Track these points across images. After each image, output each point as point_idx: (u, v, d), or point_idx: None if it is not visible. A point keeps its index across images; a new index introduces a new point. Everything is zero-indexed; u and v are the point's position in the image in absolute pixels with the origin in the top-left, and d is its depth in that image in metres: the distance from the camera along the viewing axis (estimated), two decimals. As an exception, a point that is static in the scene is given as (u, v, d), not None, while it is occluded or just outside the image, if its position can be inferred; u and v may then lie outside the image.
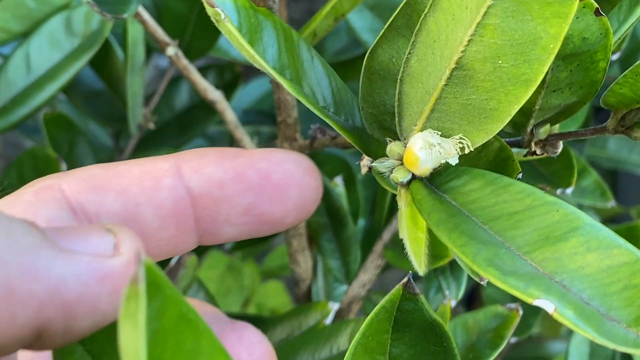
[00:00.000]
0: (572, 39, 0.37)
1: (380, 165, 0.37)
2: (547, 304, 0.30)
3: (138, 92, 0.71)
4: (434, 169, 0.37)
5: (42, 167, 0.69)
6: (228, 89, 0.81)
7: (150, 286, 0.23)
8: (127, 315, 0.22)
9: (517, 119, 0.42)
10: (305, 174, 0.35)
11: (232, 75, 0.84)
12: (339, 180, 0.73)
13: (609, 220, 1.45)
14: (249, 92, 0.96)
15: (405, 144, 0.37)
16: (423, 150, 0.36)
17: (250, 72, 0.86)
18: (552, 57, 0.31)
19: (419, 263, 0.34)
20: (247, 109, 0.92)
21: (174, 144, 0.82)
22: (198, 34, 0.75)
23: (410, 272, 0.37)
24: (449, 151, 0.35)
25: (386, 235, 0.66)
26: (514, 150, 0.43)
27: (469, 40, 0.33)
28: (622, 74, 0.37)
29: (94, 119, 0.78)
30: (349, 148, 0.56)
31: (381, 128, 0.40)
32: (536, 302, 0.30)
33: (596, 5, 0.36)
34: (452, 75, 0.34)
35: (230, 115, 0.63)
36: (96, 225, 0.29)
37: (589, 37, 0.37)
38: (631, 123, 0.40)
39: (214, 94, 0.62)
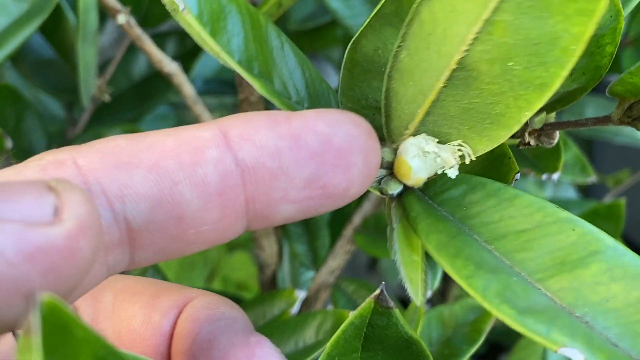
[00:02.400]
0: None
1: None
2: (575, 353, 0.25)
3: (91, 62, 0.65)
4: (428, 178, 0.32)
5: (-15, 144, 0.64)
6: (189, 57, 0.75)
7: (52, 331, 0.18)
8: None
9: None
10: (368, 137, 0.29)
11: (195, 43, 0.78)
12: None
13: (584, 189, 1.42)
14: (212, 60, 0.90)
15: (395, 149, 0.32)
16: (416, 158, 0.31)
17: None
18: (574, 60, 0.27)
19: (416, 292, 0.29)
20: (209, 78, 0.86)
21: (132, 116, 0.77)
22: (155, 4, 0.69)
23: (383, 283, 0.33)
24: (447, 160, 0.31)
25: (357, 219, 0.62)
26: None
27: (474, 39, 0.28)
28: (637, 64, 0.33)
29: (43, 89, 0.72)
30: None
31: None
32: (562, 351, 0.25)
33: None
34: (452, 76, 0.29)
35: (188, 89, 0.58)
36: (33, 182, 0.22)
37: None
38: (639, 114, 0.36)
39: (170, 66, 0.57)
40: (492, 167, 0.36)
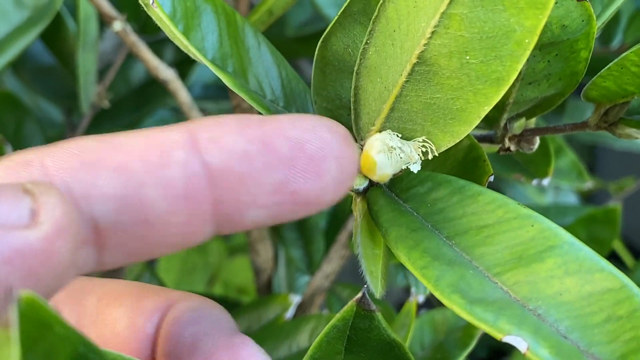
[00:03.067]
0: (551, 27, 0.33)
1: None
2: (519, 341, 0.26)
3: (90, 69, 0.66)
4: (395, 175, 0.32)
5: (-15, 149, 0.64)
6: (187, 64, 0.76)
7: (32, 327, 0.19)
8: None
9: (489, 113, 0.38)
10: (343, 143, 0.29)
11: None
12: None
13: (587, 195, 1.42)
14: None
15: (362, 146, 0.32)
16: (381, 153, 0.31)
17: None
18: (527, 53, 0.27)
19: (376, 284, 0.30)
20: (208, 84, 0.87)
21: (130, 121, 0.78)
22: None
23: (365, 286, 0.33)
24: (410, 156, 0.31)
25: (351, 224, 0.62)
26: (485, 145, 0.39)
27: (433, 32, 0.28)
28: (607, 67, 0.33)
29: (43, 95, 0.73)
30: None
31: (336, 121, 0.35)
32: (506, 339, 0.26)
33: (578, -11, 0.32)
34: (413, 71, 0.30)
35: (183, 96, 0.58)
36: (8, 185, 0.23)
37: (569, 25, 0.33)
38: (615, 119, 0.36)
39: (166, 73, 0.58)
40: (468, 169, 0.36)
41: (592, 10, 0.32)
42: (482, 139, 0.39)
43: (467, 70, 0.29)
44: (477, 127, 0.38)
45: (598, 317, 0.27)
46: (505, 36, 0.27)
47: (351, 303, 0.34)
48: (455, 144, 0.36)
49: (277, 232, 0.66)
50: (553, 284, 0.28)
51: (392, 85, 0.31)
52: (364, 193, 0.33)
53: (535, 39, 0.27)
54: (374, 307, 0.34)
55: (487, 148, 0.40)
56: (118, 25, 0.56)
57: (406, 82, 0.30)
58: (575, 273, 0.28)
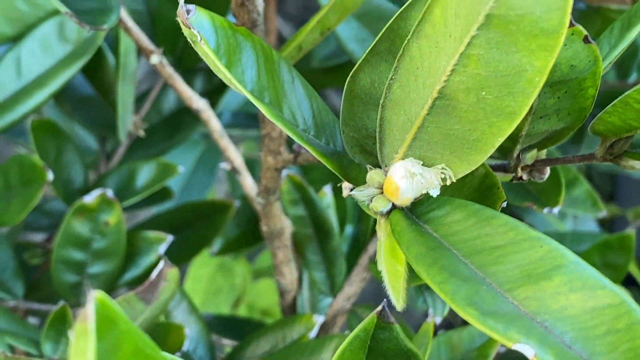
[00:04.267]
0: (560, 67, 0.36)
1: (360, 193, 0.36)
2: (527, 349, 0.29)
3: (129, 100, 0.70)
4: (415, 199, 0.35)
5: (27, 175, 0.68)
6: (216, 93, 0.80)
7: (102, 322, 0.22)
8: (77, 354, 0.21)
9: (503, 144, 0.40)
10: None
11: (221, 79, 0.82)
12: (327, 190, 0.72)
13: (606, 222, 1.44)
14: (238, 94, 0.94)
15: (386, 172, 0.36)
16: (404, 179, 0.34)
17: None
18: (537, 90, 0.30)
19: (397, 298, 0.33)
20: (236, 111, 0.90)
21: (161, 149, 0.81)
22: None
23: (385, 300, 0.36)
24: (430, 181, 0.34)
25: (372, 248, 0.65)
26: (499, 174, 0.42)
27: (452, 70, 0.31)
28: (612, 103, 0.36)
29: (82, 125, 0.77)
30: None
31: (363, 152, 0.39)
32: (515, 347, 0.29)
33: (585, 32, 0.35)
34: (434, 105, 0.33)
35: (214, 124, 0.62)
36: None
37: (577, 65, 0.36)
38: (620, 151, 0.39)
39: (199, 103, 0.61)
40: (483, 195, 0.39)
41: (599, 52, 0.35)
42: (497, 168, 0.42)
43: (483, 105, 0.32)
44: (492, 156, 0.42)
45: (599, 330, 0.30)
46: (518, 75, 0.30)
47: (372, 315, 0.37)
48: (471, 172, 0.39)
49: (301, 255, 0.69)
50: (559, 300, 0.31)
51: (415, 117, 0.34)
52: (387, 215, 0.36)
53: (545, 77, 0.30)
54: (392, 319, 0.37)
55: (501, 177, 0.43)
56: (155, 58, 0.59)
57: (427, 114, 0.33)
58: (579, 290, 0.31)
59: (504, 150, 0.41)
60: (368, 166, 0.37)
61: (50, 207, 0.82)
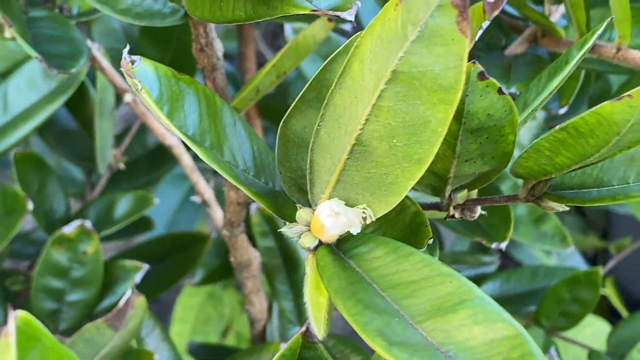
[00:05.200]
0: (477, 115, 0.38)
1: (289, 230, 0.39)
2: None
3: (107, 135, 0.73)
4: (341, 236, 0.38)
5: (10, 204, 0.71)
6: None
7: (25, 338, 0.25)
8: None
9: (435, 184, 0.44)
10: None
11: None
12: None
13: (593, 254, 1.48)
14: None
15: (314, 211, 0.38)
16: (329, 218, 0.37)
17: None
18: (441, 138, 0.33)
19: (319, 328, 0.35)
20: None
21: (146, 181, 0.84)
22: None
23: (308, 321, 0.39)
24: (352, 220, 0.37)
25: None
26: (434, 212, 0.45)
27: (367, 119, 0.34)
28: (525, 149, 0.39)
29: (66, 157, 0.80)
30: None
31: (300, 191, 0.41)
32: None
33: (498, 85, 0.38)
34: (353, 150, 0.36)
35: (186, 160, 0.65)
36: None
37: (494, 114, 0.38)
38: (540, 193, 0.42)
39: (171, 140, 0.64)
40: (413, 232, 0.42)
41: (513, 102, 0.38)
42: (431, 206, 0.45)
43: (395, 151, 0.35)
44: (427, 195, 0.45)
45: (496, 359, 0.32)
46: (423, 125, 0.33)
47: (297, 335, 0.40)
48: (404, 210, 0.42)
49: (270, 284, 0.72)
50: (463, 332, 0.33)
51: (338, 160, 0.37)
52: (314, 251, 0.38)
53: (447, 127, 0.33)
54: (317, 339, 0.39)
55: (436, 214, 0.46)
56: (129, 97, 0.63)
57: (348, 158, 0.36)
58: (482, 322, 0.33)
59: (436, 190, 0.44)
60: (298, 205, 0.40)
61: (36, 235, 0.85)
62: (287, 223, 0.42)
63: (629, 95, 0.33)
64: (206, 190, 0.66)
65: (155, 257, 0.83)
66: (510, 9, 0.69)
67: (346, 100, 0.36)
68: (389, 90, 0.33)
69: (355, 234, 0.37)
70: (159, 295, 0.83)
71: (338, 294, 0.35)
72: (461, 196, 0.44)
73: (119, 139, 0.82)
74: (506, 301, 0.95)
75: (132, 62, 0.37)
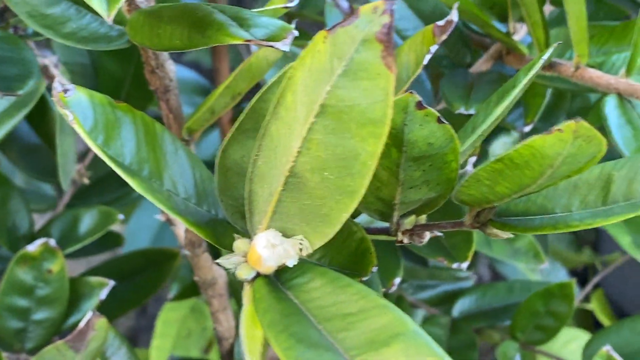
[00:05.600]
0: (418, 144, 0.38)
1: (226, 261, 0.38)
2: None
3: (68, 150, 0.73)
4: (279, 267, 0.38)
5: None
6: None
7: None
8: None
9: (382, 210, 0.43)
10: None
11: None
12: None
13: (578, 269, 1.48)
14: (203, 149, 0.97)
15: (252, 241, 0.38)
16: (266, 249, 0.37)
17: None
18: (371, 171, 0.33)
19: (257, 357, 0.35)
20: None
21: (114, 197, 0.84)
22: (133, 94, 0.76)
23: None
24: (289, 251, 0.37)
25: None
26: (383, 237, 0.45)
27: (298, 151, 0.34)
28: (466, 177, 0.39)
29: (28, 173, 0.80)
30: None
31: (243, 218, 0.41)
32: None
33: (437, 114, 0.37)
34: (287, 181, 0.35)
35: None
36: None
37: (434, 142, 0.38)
38: (485, 220, 0.41)
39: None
40: (358, 259, 0.42)
41: (453, 131, 0.38)
42: (380, 231, 0.45)
43: (327, 184, 0.34)
44: (376, 220, 0.44)
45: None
46: (354, 158, 0.33)
47: None
48: (350, 236, 0.42)
49: (237, 302, 0.71)
50: (395, 367, 0.33)
51: (274, 191, 0.36)
52: (252, 282, 0.38)
53: (376, 160, 0.32)
54: None
55: (386, 238, 0.45)
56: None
57: (283, 190, 0.36)
58: (413, 356, 0.33)
59: (384, 216, 0.44)
60: (235, 235, 0.39)
61: (2, 252, 0.84)
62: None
63: (559, 130, 0.32)
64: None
65: (126, 274, 0.82)
66: (476, 27, 0.69)
67: (281, 131, 0.35)
68: (318, 124, 0.33)
69: (291, 266, 0.37)
70: (128, 312, 0.83)
71: (271, 327, 0.35)
72: (409, 222, 0.43)
73: (85, 154, 0.81)
74: (482, 316, 0.94)
75: (65, 90, 0.37)
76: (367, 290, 0.36)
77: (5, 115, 0.69)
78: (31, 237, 0.73)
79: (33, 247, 0.69)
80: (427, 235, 0.44)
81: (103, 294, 0.73)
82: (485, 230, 0.42)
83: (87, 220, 0.76)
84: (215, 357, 1.30)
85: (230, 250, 0.40)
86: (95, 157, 0.81)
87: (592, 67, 0.57)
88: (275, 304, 0.36)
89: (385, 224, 0.45)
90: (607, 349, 0.61)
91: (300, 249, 0.37)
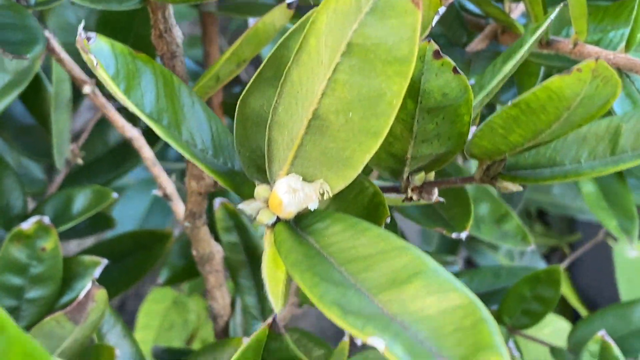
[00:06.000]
0: (433, 94, 0.39)
1: (247, 207, 0.39)
2: (379, 342, 0.31)
3: (64, 128, 0.73)
4: (299, 212, 0.38)
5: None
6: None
7: None
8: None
9: (393, 166, 0.44)
10: None
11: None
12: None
13: (547, 252, 1.51)
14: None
15: (272, 188, 0.39)
16: (287, 194, 0.38)
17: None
18: (396, 111, 0.34)
19: (276, 302, 0.36)
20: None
21: (107, 178, 0.84)
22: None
23: (275, 313, 0.39)
24: (310, 196, 0.37)
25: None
26: (392, 195, 0.45)
27: (323, 94, 0.35)
28: (479, 127, 0.40)
29: (22, 153, 0.79)
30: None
31: (259, 171, 0.42)
32: (369, 340, 0.32)
33: (453, 64, 0.38)
34: (310, 125, 0.36)
35: (146, 152, 0.65)
36: None
37: (449, 93, 0.39)
38: (495, 174, 0.42)
39: (132, 132, 0.64)
40: (371, 212, 0.42)
41: (468, 82, 0.39)
42: (390, 189, 0.46)
43: (351, 125, 0.35)
44: (386, 179, 0.45)
45: (449, 328, 0.33)
46: (379, 98, 0.34)
47: (263, 327, 0.40)
48: (363, 191, 0.42)
49: (233, 279, 0.72)
50: (417, 302, 0.34)
51: (296, 136, 0.37)
52: (272, 227, 0.39)
53: (401, 100, 0.33)
54: (283, 330, 0.40)
55: (395, 198, 0.46)
56: (88, 88, 0.62)
57: (305, 134, 0.36)
58: (435, 293, 0.34)
59: (394, 173, 0.44)
60: (256, 182, 0.40)
61: (-4, 234, 0.84)
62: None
63: (578, 69, 0.33)
64: (168, 184, 0.66)
65: (116, 255, 0.82)
66: (472, 7, 0.70)
67: (303, 76, 0.36)
68: (344, 64, 0.34)
69: (313, 210, 0.38)
70: (120, 294, 0.83)
71: (294, 266, 0.35)
72: (419, 178, 0.44)
73: (79, 135, 0.81)
74: (468, 300, 0.95)
75: (88, 38, 0.37)
76: (386, 233, 0.37)
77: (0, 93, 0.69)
78: (25, 217, 0.73)
79: (27, 225, 0.69)
80: (436, 192, 0.45)
81: (97, 272, 0.73)
82: (495, 183, 0.43)
83: (81, 199, 0.76)
84: (198, 346, 1.29)
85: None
86: (89, 137, 0.82)
87: (590, 44, 0.58)
88: (297, 246, 0.37)
89: (395, 185, 0.46)
90: (601, 334, 0.63)
91: (322, 193, 0.37)
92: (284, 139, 0.38)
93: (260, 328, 0.39)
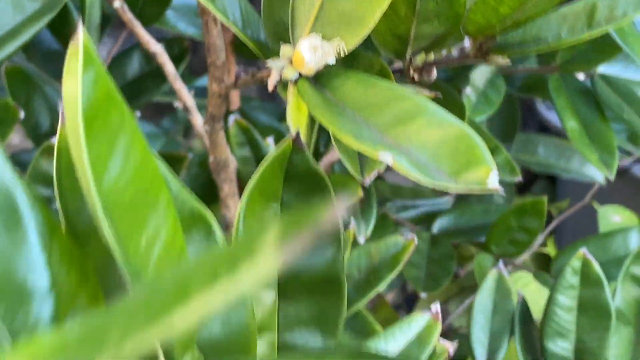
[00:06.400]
0: (434, -26, 0.45)
1: (274, 64, 0.45)
2: (388, 157, 0.38)
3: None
4: (317, 70, 0.45)
5: (1, 114, 0.77)
6: (176, 62, 0.88)
7: (88, 56, 0.31)
8: (69, 71, 0.30)
9: (397, 47, 0.50)
10: None
11: (180, 49, 0.91)
12: (270, 141, 0.82)
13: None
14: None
15: (294, 47, 0.45)
16: (309, 52, 0.44)
17: (197, 45, 0.94)
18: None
19: (302, 132, 0.42)
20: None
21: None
22: (150, 1, 0.83)
23: (298, 131, 0.43)
24: (328, 52, 0.44)
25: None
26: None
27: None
28: (473, 1, 0.46)
29: (51, 77, 0.85)
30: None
31: (282, 41, 0.48)
32: (380, 155, 0.38)
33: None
34: (330, -11, 0.43)
35: (169, 67, 0.71)
36: None
37: (448, -27, 0.45)
38: (487, 49, 0.49)
39: (156, 47, 0.70)
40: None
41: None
42: (397, 71, 0.52)
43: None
44: (391, 62, 0.51)
45: (447, 151, 0.39)
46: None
47: (287, 140, 0.44)
48: (372, 67, 0.49)
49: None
50: (420, 134, 0.40)
51: (316, 1, 0.43)
52: (295, 83, 0.45)
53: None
54: (305, 146, 0.45)
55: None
56: (117, 3, 0.69)
57: (324, -2, 0.43)
58: (436, 126, 0.40)
59: (399, 54, 0.51)
60: (281, 42, 0.46)
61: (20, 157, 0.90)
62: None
63: None
64: (188, 98, 0.72)
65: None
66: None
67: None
68: None
69: (331, 64, 0.44)
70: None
71: (316, 107, 0.42)
72: (420, 59, 0.51)
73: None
74: (460, 232, 1.02)
75: None
76: (393, 84, 0.43)
77: (30, 20, 0.75)
78: (53, 134, 0.79)
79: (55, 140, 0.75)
80: (434, 72, 0.51)
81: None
82: (487, 58, 0.49)
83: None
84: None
85: (273, 65, 0.47)
86: (108, 69, 0.88)
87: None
88: (317, 95, 0.43)
89: (399, 68, 0.52)
90: (583, 251, 0.69)
91: (338, 51, 0.44)
92: (305, 6, 0.44)
93: (285, 141, 0.43)
